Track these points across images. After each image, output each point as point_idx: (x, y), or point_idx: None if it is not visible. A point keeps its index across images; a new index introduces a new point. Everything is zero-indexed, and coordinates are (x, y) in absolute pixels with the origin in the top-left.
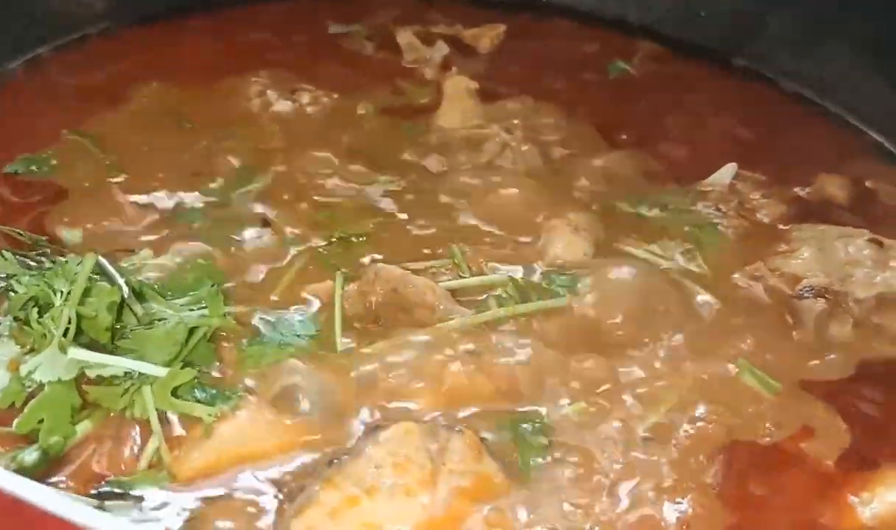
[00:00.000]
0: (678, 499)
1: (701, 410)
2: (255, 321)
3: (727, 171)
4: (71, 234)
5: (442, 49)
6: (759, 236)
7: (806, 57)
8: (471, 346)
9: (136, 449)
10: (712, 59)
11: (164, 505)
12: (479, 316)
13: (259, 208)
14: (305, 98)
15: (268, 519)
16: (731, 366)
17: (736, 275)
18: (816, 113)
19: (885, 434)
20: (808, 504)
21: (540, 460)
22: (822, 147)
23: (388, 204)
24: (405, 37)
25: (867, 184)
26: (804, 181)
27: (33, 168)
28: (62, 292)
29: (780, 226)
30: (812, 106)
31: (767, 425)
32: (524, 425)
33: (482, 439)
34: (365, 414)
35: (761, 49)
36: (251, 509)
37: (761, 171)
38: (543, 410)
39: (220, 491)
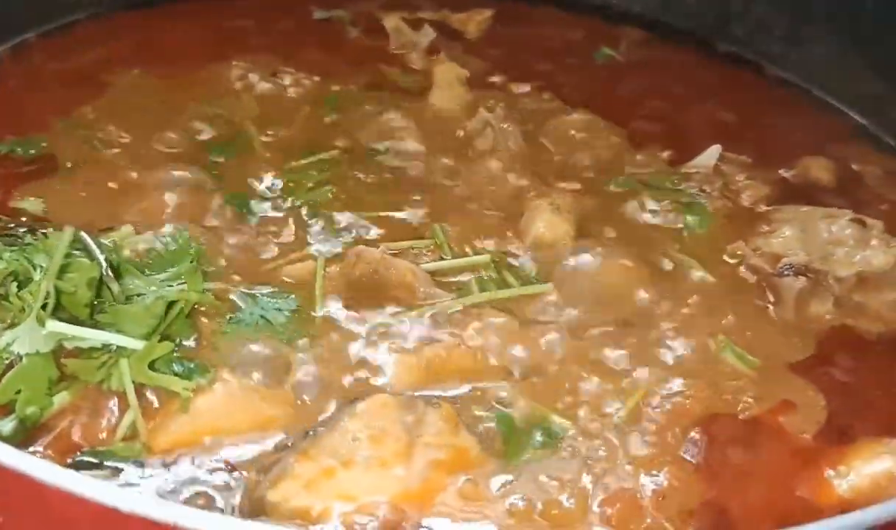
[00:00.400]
0: (654, 472)
1: (678, 384)
2: (235, 297)
3: (711, 154)
4: (30, 203)
5: (429, 34)
6: (742, 217)
7: (790, 42)
8: (450, 328)
9: (113, 420)
10: (698, 45)
11: (139, 476)
12: (459, 301)
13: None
14: (287, 80)
15: (243, 491)
16: (710, 342)
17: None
18: (801, 97)
19: (861, 407)
20: (785, 477)
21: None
22: (807, 130)
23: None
24: (392, 21)
25: (853, 166)
26: (788, 164)
27: (19, 150)
28: (41, 267)
29: (764, 208)
30: (797, 90)
31: (746, 399)
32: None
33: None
34: (343, 388)
35: (746, 34)
36: (226, 481)
37: (746, 154)
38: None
39: (196, 464)
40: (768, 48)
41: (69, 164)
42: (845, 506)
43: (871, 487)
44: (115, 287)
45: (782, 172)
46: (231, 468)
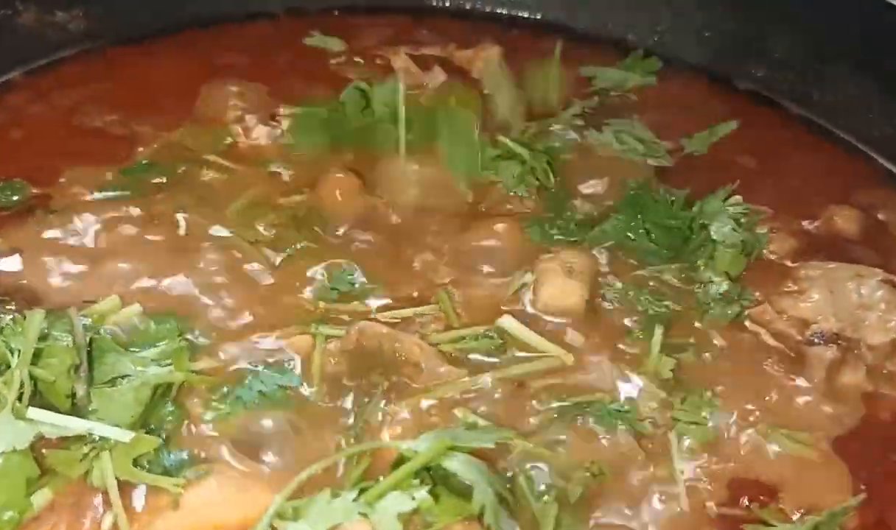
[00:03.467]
0: None
1: None
2: (228, 375)
3: None
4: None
5: (439, 75)
6: (766, 273)
7: (813, 81)
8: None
9: (97, 519)
10: (715, 82)
11: None
12: (468, 382)
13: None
14: (285, 124)
15: None
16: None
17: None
18: (824, 139)
19: None
20: None
21: None
22: (831, 176)
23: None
24: (400, 61)
25: (879, 216)
26: (812, 214)
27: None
28: (18, 352)
29: (788, 263)
30: (820, 132)
31: None
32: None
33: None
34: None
35: (766, 72)
36: None
37: (766, 203)
38: None
39: None
40: (790, 87)
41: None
42: None
43: None
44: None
45: (806, 224)
46: None
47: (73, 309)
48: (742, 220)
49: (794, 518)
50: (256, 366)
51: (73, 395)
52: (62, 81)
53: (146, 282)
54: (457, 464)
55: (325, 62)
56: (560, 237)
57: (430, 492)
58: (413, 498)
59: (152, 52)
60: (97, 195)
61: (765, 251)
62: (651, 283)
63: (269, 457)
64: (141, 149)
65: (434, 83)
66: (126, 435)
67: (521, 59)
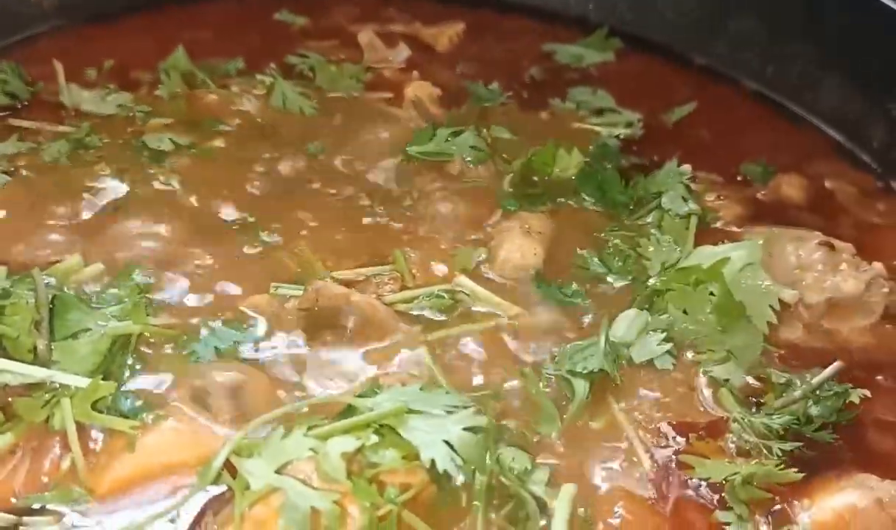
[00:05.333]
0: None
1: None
2: (189, 329)
3: None
4: None
5: (404, 51)
6: (712, 238)
7: (768, 57)
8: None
9: (57, 462)
10: (674, 59)
11: (82, 520)
12: (425, 335)
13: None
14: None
15: None
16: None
17: None
18: (778, 113)
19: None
20: None
21: None
22: (782, 147)
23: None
24: (366, 37)
25: (826, 184)
26: (761, 182)
27: None
28: None
29: (735, 229)
30: (774, 106)
31: None
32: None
33: None
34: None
35: (723, 49)
36: (173, 522)
37: (718, 172)
38: None
39: (141, 504)
40: (746, 63)
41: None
42: None
43: (833, 520)
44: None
45: (754, 191)
46: (178, 507)
47: (36, 269)
48: (692, 189)
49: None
50: (214, 323)
51: (35, 349)
52: (36, 57)
53: (111, 244)
54: (409, 429)
55: (293, 39)
56: (518, 203)
57: (377, 434)
58: (359, 439)
59: (125, 29)
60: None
61: (714, 217)
62: (607, 248)
63: (223, 408)
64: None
65: (398, 59)
66: (84, 382)
67: (486, 36)
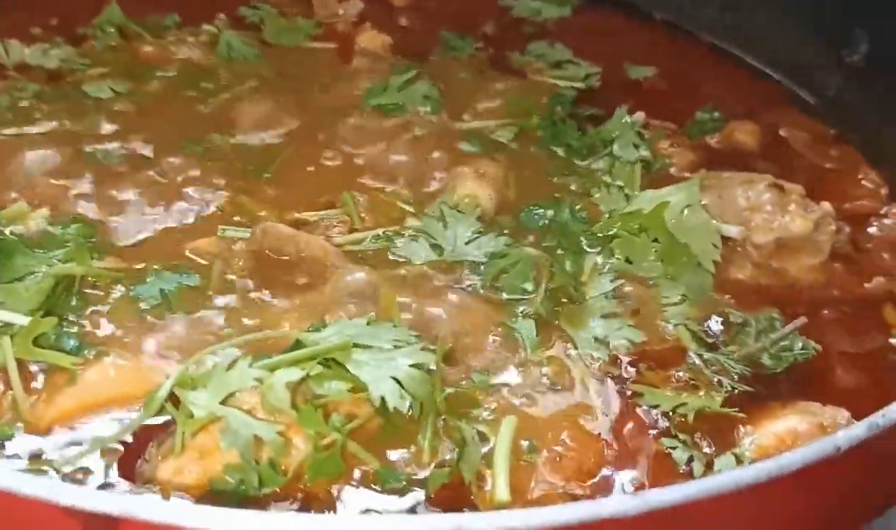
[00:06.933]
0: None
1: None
2: (132, 271)
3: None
4: None
5: (356, 5)
6: (663, 184)
7: (725, 9)
8: None
9: None
10: (626, 11)
11: (24, 453)
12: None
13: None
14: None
15: (133, 464)
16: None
17: None
18: (734, 64)
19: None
20: None
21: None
22: (737, 97)
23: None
24: None
25: (781, 132)
26: (714, 129)
27: None
28: None
29: (687, 175)
30: (730, 58)
31: None
32: None
33: None
34: None
35: (682, 2)
36: (115, 454)
37: (672, 120)
38: None
39: (83, 437)
40: (703, 14)
41: None
42: None
43: (775, 444)
44: None
45: (707, 138)
46: (120, 439)
47: None
48: (644, 136)
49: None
50: (159, 266)
51: None
52: None
53: (55, 188)
54: (356, 363)
55: None
56: (473, 150)
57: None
58: (304, 370)
59: None
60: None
61: (667, 163)
62: (557, 194)
63: (166, 346)
64: None
65: (350, 12)
66: (24, 320)
67: None
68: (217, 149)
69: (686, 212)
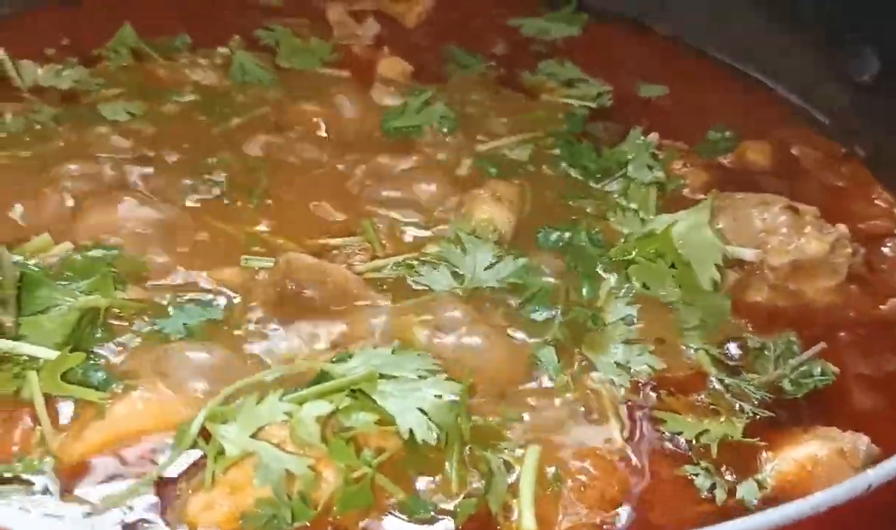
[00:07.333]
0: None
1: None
2: (156, 304)
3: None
4: None
5: (373, 27)
6: (678, 206)
7: (728, 24)
8: None
9: (28, 432)
10: (636, 28)
11: (53, 488)
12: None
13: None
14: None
15: (164, 498)
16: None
17: None
18: (744, 82)
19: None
20: None
21: None
22: (748, 115)
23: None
24: (334, 13)
25: (792, 150)
26: (726, 149)
27: None
28: None
29: (701, 196)
30: (739, 75)
31: None
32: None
33: None
34: None
35: (684, 17)
36: (145, 488)
37: (684, 140)
38: None
39: (112, 472)
40: (713, 32)
41: None
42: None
43: (795, 470)
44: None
45: (720, 158)
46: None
47: (2, 247)
48: (658, 157)
49: None
50: (184, 298)
51: (2, 326)
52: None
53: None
54: (382, 394)
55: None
56: (489, 171)
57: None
58: (332, 402)
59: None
60: None
61: (680, 184)
62: (573, 216)
63: (193, 379)
64: None
65: (368, 35)
66: (50, 354)
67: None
68: (233, 174)
69: (691, 230)
